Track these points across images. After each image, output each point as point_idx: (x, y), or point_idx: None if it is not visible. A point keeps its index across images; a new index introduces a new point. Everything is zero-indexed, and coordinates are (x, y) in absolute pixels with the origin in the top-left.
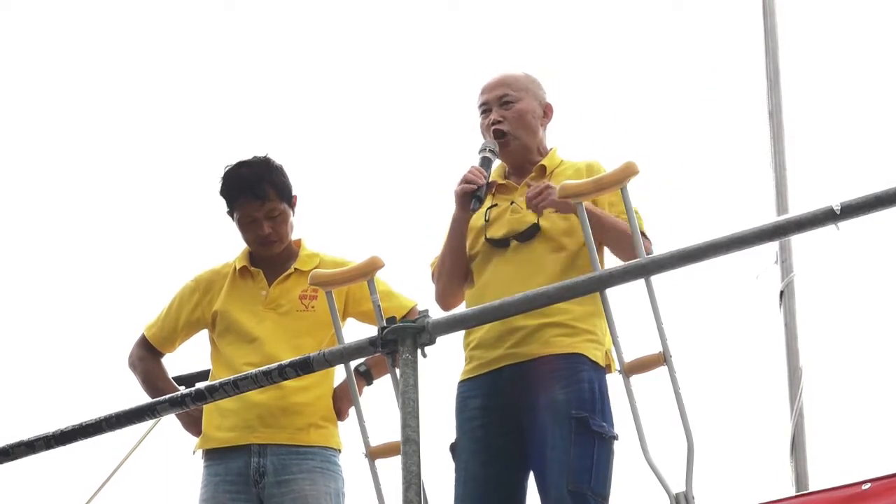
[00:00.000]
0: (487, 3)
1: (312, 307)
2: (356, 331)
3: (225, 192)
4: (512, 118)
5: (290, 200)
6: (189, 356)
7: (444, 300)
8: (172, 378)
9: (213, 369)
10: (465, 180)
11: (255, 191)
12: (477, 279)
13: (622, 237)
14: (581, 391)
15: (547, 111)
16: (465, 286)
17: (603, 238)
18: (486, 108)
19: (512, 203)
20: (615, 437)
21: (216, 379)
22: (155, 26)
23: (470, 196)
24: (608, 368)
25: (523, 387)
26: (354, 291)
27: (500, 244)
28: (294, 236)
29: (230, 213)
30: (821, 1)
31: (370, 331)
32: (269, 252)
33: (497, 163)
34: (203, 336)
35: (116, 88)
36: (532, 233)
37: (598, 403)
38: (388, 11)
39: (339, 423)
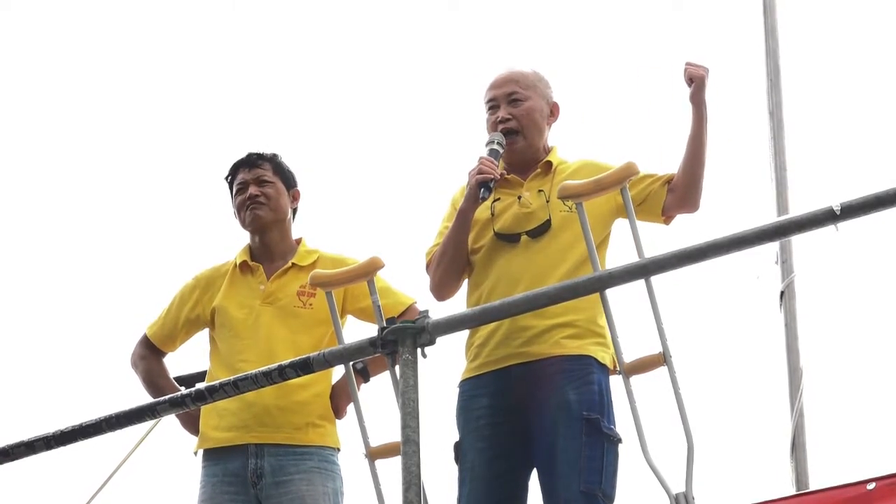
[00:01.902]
0: (487, 3)
1: (310, 304)
2: (356, 331)
3: (228, 173)
4: (520, 116)
5: (288, 183)
6: (190, 356)
7: (440, 291)
8: (173, 378)
9: (211, 367)
10: (479, 171)
11: (249, 161)
12: (482, 274)
13: (704, 164)
14: (591, 393)
15: (554, 110)
16: (463, 278)
17: (690, 151)
18: (493, 105)
19: (519, 198)
20: (620, 440)
21: (213, 376)
22: (155, 26)
23: (481, 185)
24: (612, 370)
25: (531, 386)
26: (353, 288)
27: (510, 239)
28: (295, 236)
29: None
30: (821, 1)
31: (370, 330)
32: (257, 220)
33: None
34: (204, 336)
35: (116, 88)
36: (544, 229)
37: (606, 406)
38: (388, 11)
39: (338, 421)
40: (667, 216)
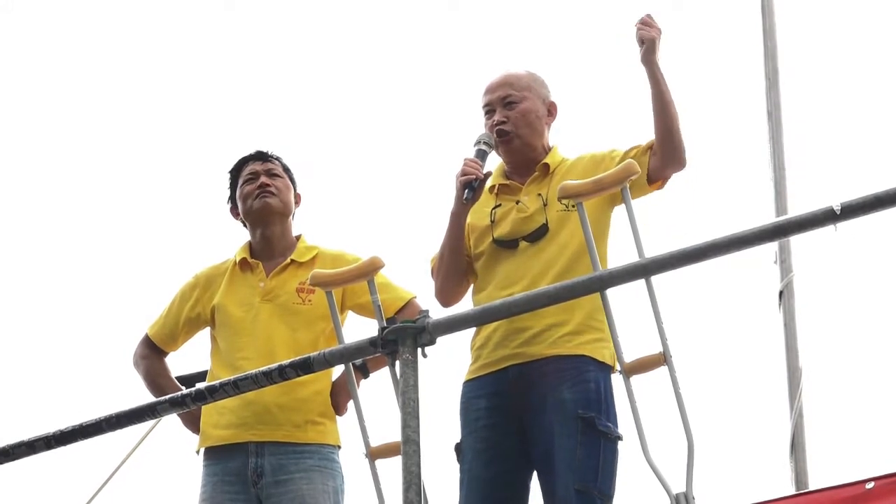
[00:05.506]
0: (487, 3)
1: (309, 301)
2: (356, 330)
3: (234, 167)
4: (515, 118)
5: (294, 183)
6: (192, 357)
7: (444, 296)
8: (175, 378)
9: (212, 365)
10: (463, 172)
11: (260, 155)
12: (483, 280)
13: (674, 117)
14: (587, 391)
15: (551, 110)
16: (466, 283)
17: (656, 109)
18: (489, 109)
19: (518, 202)
20: (620, 438)
21: (214, 374)
22: (155, 26)
23: (465, 186)
24: (613, 367)
25: (529, 387)
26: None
27: (509, 245)
28: (295, 233)
29: (232, 196)
30: (820, 1)
31: (370, 330)
32: (267, 207)
33: (493, 156)
34: (205, 336)
35: (116, 88)
36: (541, 233)
37: (604, 404)
38: (388, 11)
39: (338, 418)
40: (657, 180)
